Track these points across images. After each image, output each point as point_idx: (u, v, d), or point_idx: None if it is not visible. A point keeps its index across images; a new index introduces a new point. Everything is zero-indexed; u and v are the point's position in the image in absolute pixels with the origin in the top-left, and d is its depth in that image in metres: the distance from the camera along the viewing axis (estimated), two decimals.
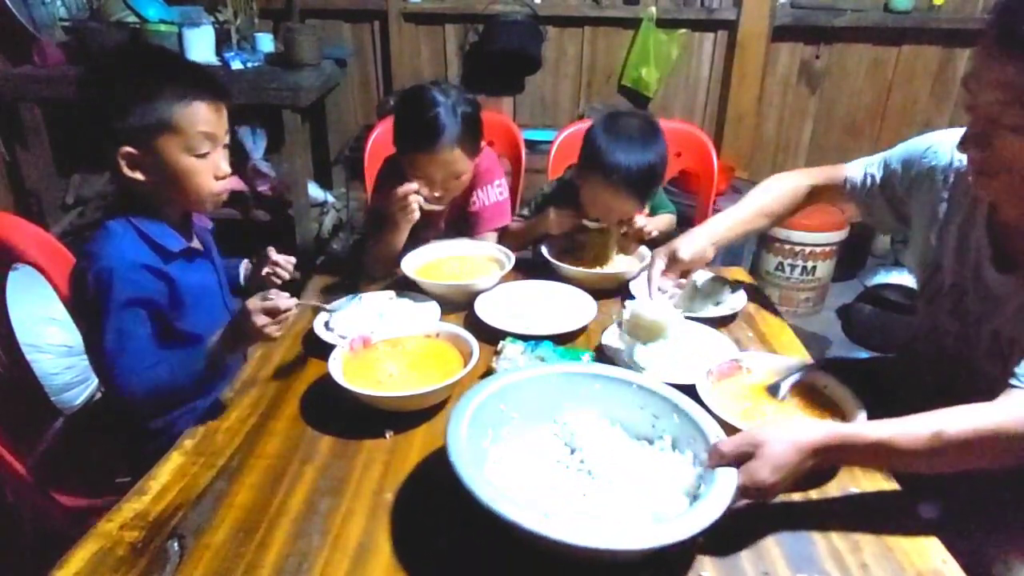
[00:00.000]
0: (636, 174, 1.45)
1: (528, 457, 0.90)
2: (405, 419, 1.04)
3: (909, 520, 0.88)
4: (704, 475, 0.82)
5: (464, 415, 0.86)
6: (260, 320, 1.02)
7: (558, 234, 1.59)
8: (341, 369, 1.07)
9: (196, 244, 1.24)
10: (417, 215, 1.45)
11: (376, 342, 1.15)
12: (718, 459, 0.81)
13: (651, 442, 0.93)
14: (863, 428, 0.85)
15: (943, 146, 1.17)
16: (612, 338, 1.24)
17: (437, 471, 0.95)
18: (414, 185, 1.43)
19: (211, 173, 1.14)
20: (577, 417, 0.95)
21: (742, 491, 0.79)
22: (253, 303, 1.03)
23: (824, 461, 0.85)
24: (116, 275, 1.07)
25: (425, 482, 0.93)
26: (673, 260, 1.27)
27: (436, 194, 1.49)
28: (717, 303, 1.40)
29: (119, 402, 1.12)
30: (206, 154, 1.12)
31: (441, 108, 1.41)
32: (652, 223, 1.58)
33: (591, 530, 0.72)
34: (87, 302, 1.09)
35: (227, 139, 1.17)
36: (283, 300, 1.03)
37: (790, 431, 0.83)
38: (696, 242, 1.29)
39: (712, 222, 1.35)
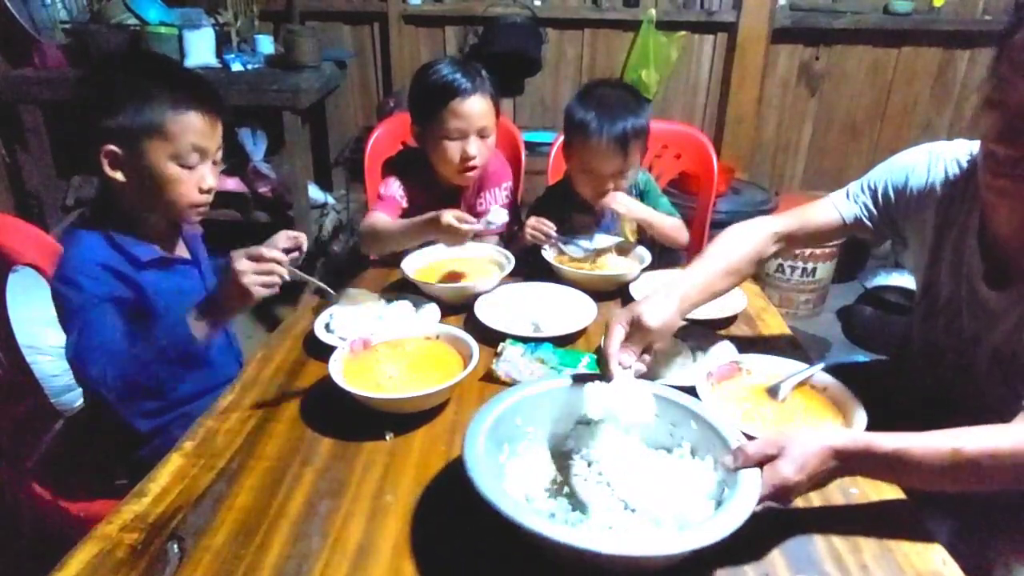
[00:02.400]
0: (617, 124, 1.48)
1: (546, 471, 0.89)
2: (405, 421, 1.04)
3: (910, 521, 0.88)
4: (727, 478, 0.81)
5: (481, 430, 0.84)
6: (242, 265, 0.97)
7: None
8: (341, 371, 1.06)
9: (181, 252, 1.23)
10: (449, 241, 1.42)
11: (376, 344, 1.15)
12: (743, 460, 0.80)
13: (669, 450, 0.91)
14: (883, 437, 0.83)
15: (921, 165, 1.13)
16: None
17: (437, 473, 0.95)
18: (452, 216, 1.36)
19: (195, 185, 1.12)
20: (592, 428, 0.92)
21: (766, 492, 0.78)
22: (236, 252, 0.99)
23: (844, 468, 0.83)
24: (80, 274, 1.07)
25: (425, 484, 0.93)
26: (637, 328, 0.98)
27: (471, 152, 1.51)
28: (717, 305, 1.40)
29: (94, 391, 1.07)
30: (193, 166, 1.11)
31: (462, 65, 1.50)
32: (636, 204, 1.58)
33: (620, 539, 0.71)
34: (60, 308, 1.09)
35: (219, 154, 1.15)
36: (267, 250, 0.99)
37: (814, 434, 0.83)
38: (664, 309, 1.01)
39: (679, 284, 1.08)
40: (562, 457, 0.92)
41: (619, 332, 0.97)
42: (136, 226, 1.15)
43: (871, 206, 1.18)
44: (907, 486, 0.90)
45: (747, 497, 0.75)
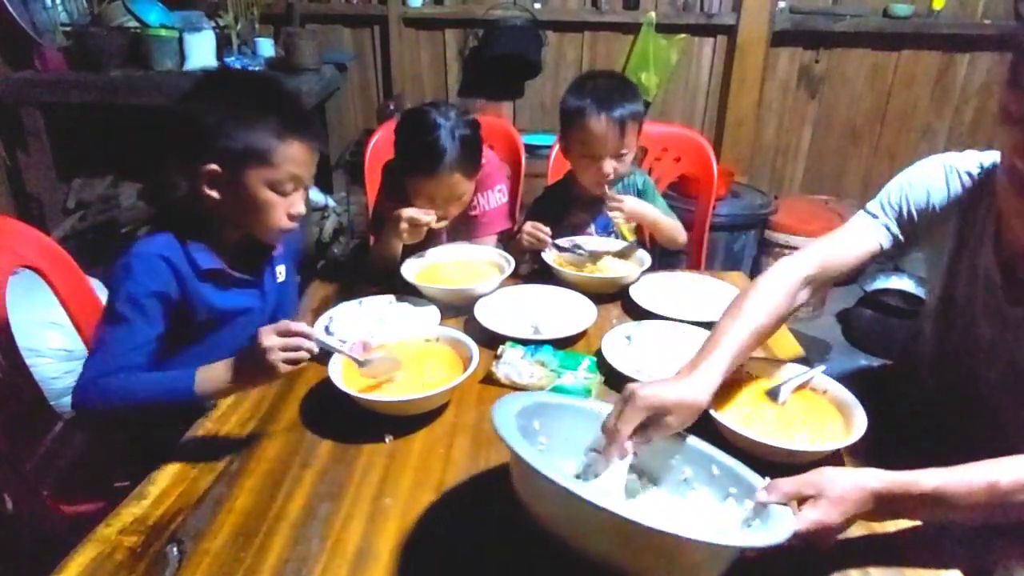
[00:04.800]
0: (614, 107, 1.50)
1: None
2: (405, 423, 1.04)
3: (911, 528, 0.87)
4: (753, 515, 0.79)
5: (510, 414, 0.79)
6: (270, 341, 0.92)
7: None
8: (341, 373, 1.07)
9: (242, 273, 1.20)
10: (412, 238, 1.45)
11: (376, 346, 1.15)
12: (777, 496, 0.77)
13: (683, 495, 0.89)
14: (919, 476, 0.80)
15: (939, 180, 1.10)
16: (613, 350, 1.24)
17: (437, 476, 0.95)
18: (412, 212, 1.42)
19: (285, 210, 1.13)
20: (600, 465, 0.88)
21: (803, 527, 0.75)
22: (264, 328, 0.95)
23: (881, 512, 0.81)
24: (136, 258, 1.07)
25: (425, 487, 0.93)
26: (657, 419, 0.87)
27: (438, 213, 1.48)
28: (717, 307, 1.40)
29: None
30: (288, 193, 1.12)
31: (440, 132, 1.41)
32: (641, 204, 1.57)
33: (692, 525, 0.67)
34: (109, 291, 1.09)
35: (311, 183, 1.17)
36: (295, 324, 0.95)
37: (852, 475, 0.79)
38: (690, 413, 0.89)
39: (709, 370, 0.93)
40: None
41: (634, 417, 0.85)
42: (210, 237, 1.15)
43: (895, 228, 1.12)
44: (941, 522, 0.86)
45: (783, 519, 0.74)
